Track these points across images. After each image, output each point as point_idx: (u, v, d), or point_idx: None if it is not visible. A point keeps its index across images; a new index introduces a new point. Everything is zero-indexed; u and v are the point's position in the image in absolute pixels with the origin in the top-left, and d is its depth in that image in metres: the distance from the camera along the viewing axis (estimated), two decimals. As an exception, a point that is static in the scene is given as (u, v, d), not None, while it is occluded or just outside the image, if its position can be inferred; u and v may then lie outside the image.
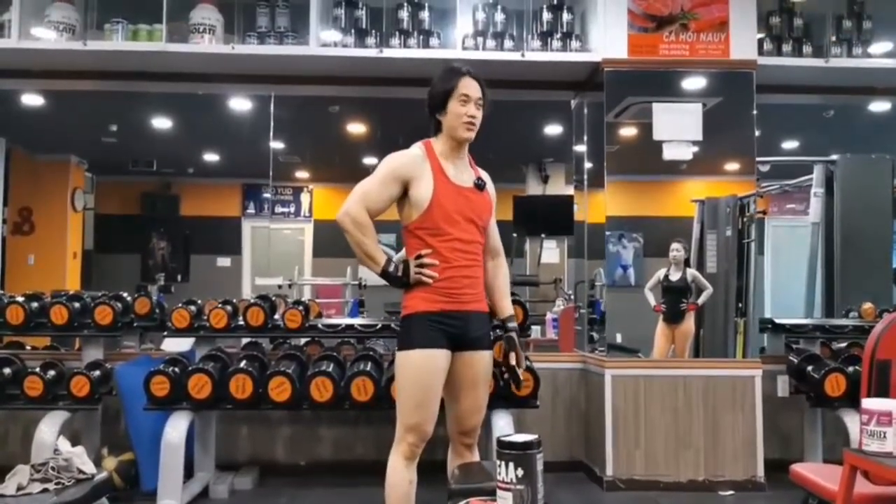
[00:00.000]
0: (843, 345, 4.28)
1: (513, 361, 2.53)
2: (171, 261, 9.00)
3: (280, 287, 7.09)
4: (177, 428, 3.35)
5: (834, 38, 4.09)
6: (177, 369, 3.47)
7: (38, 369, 3.48)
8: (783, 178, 5.95)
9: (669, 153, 3.88)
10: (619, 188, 4.22)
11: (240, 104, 5.68)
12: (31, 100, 4.99)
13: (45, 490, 2.01)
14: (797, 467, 2.41)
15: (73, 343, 4.24)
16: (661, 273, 4.58)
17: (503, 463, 1.39)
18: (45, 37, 3.84)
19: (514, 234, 7.06)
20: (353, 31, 3.91)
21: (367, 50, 3.88)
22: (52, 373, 3.53)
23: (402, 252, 2.52)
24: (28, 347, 4.32)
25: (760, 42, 4.00)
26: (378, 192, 2.38)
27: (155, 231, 8.94)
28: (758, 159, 5.57)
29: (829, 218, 5.46)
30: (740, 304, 5.89)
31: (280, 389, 3.39)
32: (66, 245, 7.49)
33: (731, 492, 3.70)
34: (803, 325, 4.22)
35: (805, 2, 4.11)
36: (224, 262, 8.82)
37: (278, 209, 9.19)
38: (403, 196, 2.41)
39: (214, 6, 3.92)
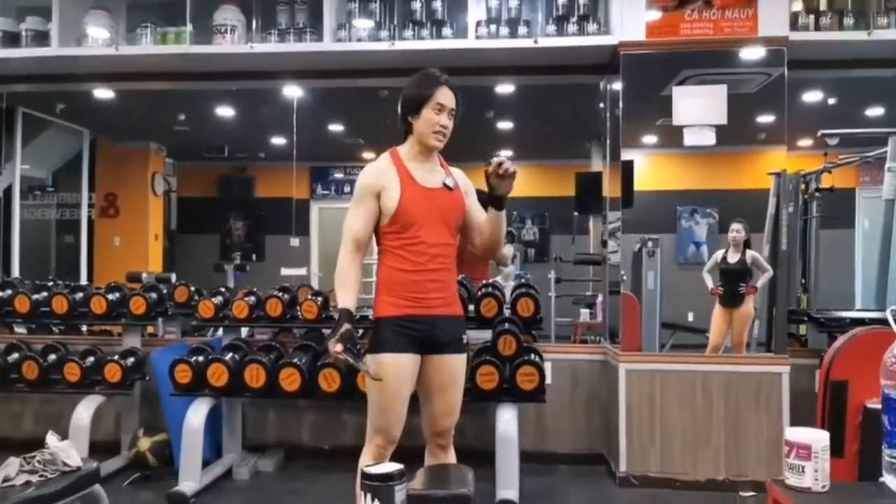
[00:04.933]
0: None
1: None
2: (247, 240, 9.42)
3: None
4: (197, 413, 3.56)
5: (880, 9, 3.72)
6: (199, 358, 3.68)
7: (77, 356, 3.79)
8: (875, 146, 5.50)
9: (691, 139, 3.69)
10: (684, 160, 4.07)
11: (294, 92, 5.82)
12: (106, 94, 5.31)
13: (27, 482, 2.20)
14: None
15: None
16: (718, 255, 4.40)
17: (363, 493, 1.41)
18: (92, 41, 4.09)
19: (576, 213, 6.92)
20: (366, 24, 3.93)
21: (380, 43, 3.89)
22: (90, 359, 3.82)
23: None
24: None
25: (796, 16, 3.71)
26: (359, 218, 2.42)
27: (232, 212, 9.37)
28: (824, 132, 5.21)
29: (907, 195, 5.03)
30: (804, 281, 5.56)
31: (290, 380, 3.54)
32: (148, 227, 7.96)
33: (752, 493, 3.56)
34: (840, 319, 3.95)
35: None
36: (296, 241, 9.15)
37: (346, 189, 9.42)
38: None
39: (236, 7, 4.04)
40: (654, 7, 3.66)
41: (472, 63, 4.00)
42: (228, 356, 3.66)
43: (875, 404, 1.83)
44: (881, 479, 1.63)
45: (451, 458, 2.61)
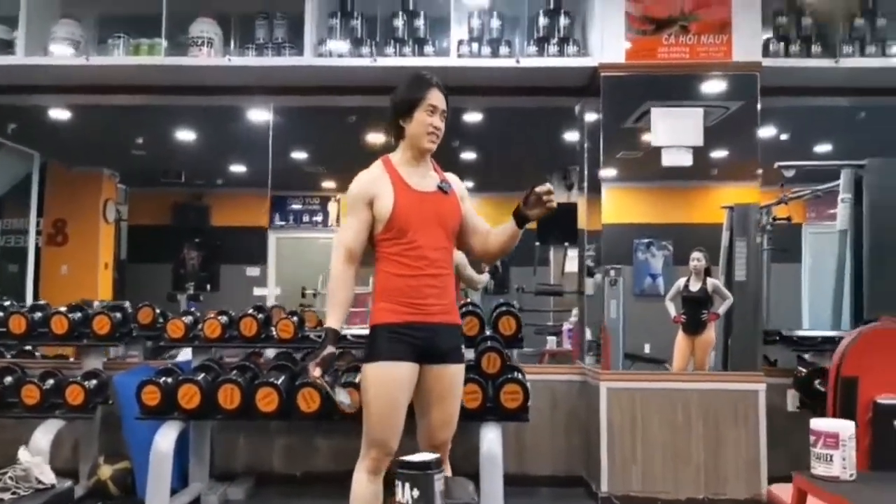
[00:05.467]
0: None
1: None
2: (202, 270, 9.16)
3: (304, 296, 7.17)
4: (166, 437, 3.38)
5: (845, 38, 3.91)
6: (168, 379, 3.50)
7: (36, 378, 3.56)
8: (821, 182, 5.72)
9: (668, 159, 3.77)
10: (643, 195, 4.13)
11: (260, 115, 5.77)
12: (61, 114, 5.12)
13: (0, 500, 2.03)
14: (774, 489, 2.30)
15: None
16: (680, 283, 4.45)
17: (400, 483, 1.34)
18: (59, 52, 3.95)
19: (537, 243, 6.97)
20: (348, 40, 3.91)
21: (362, 59, 3.88)
22: (50, 382, 3.60)
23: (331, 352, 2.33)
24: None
25: (767, 43, 3.86)
26: (353, 229, 2.38)
27: (186, 241, 9.11)
28: (781, 164, 5.39)
29: (858, 225, 5.24)
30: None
31: (267, 400, 3.39)
32: (98, 255, 7.68)
33: (732, 511, 3.56)
34: (811, 338, 4.05)
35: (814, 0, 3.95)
36: (253, 271, 8.94)
37: (306, 219, 9.29)
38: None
39: (213, 20, 3.98)
40: (633, 30, 3.76)
41: (453, 82, 3.92)
42: (200, 376, 3.50)
43: (885, 399, 1.84)
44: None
45: (447, 471, 2.53)
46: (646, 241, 5.72)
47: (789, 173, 5.70)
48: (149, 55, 3.97)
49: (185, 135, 6.67)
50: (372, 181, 2.41)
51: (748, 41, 3.72)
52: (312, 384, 2.27)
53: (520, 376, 3.45)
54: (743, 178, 3.95)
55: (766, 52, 3.82)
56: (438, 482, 1.35)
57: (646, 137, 3.90)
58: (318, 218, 9.09)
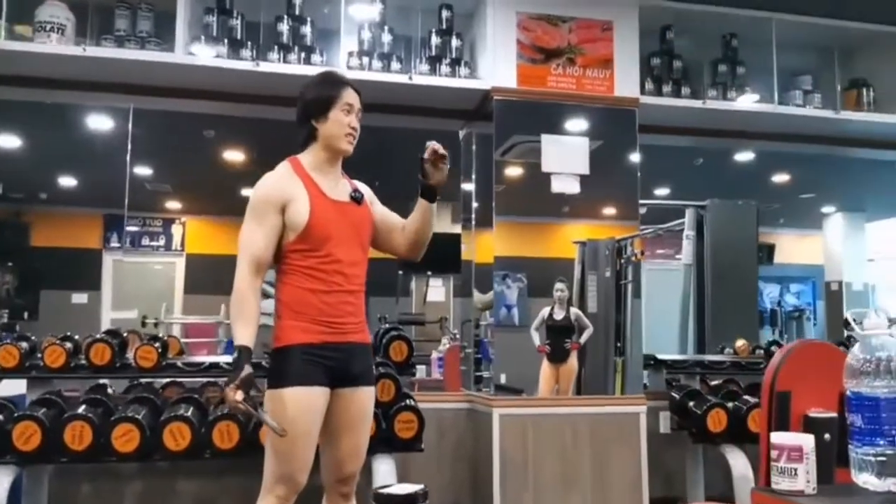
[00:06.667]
0: (719, 381, 4.36)
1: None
2: (18, 296, 8.15)
3: (144, 325, 6.50)
4: (-4, 487, 2.83)
5: (710, 82, 4.22)
6: (0, 416, 2.95)
7: None
8: (655, 223, 6.12)
9: (557, 186, 3.81)
10: (503, 229, 4.14)
11: (99, 122, 5.25)
12: None
13: None
14: (693, 508, 2.30)
15: None
16: (545, 312, 4.49)
17: (381, 520, 1.13)
18: None
19: (400, 272, 6.87)
20: (225, 41, 3.59)
21: (242, 62, 3.57)
22: None
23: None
24: None
25: (642, 83, 4.05)
26: (260, 236, 2.14)
27: (-1, 263, 8.06)
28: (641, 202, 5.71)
29: (700, 259, 5.66)
30: (619, 344, 5.96)
31: (126, 438, 2.95)
32: None
33: (616, 536, 3.58)
34: (683, 361, 4.26)
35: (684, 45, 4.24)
36: (80, 298, 8.06)
37: (146, 242, 8.53)
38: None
39: (65, 4, 3.50)
40: (524, 57, 3.80)
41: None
42: (40, 412, 2.97)
43: (815, 413, 1.89)
44: (855, 480, 1.65)
45: (354, 510, 2.31)
46: (502, 273, 5.79)
47: (642, 210, 6.08)
48: (-16, 38, 3.41)
49: (8, 140, 5.90)
50: (283, 184, 2.19)
51: (628, 77, 3.88)
52: (232, 410, 1.99)
53: (414, 404, 3.28)
54: (623, 216, 4.13)
55: (642, 91, 4.01)
56: (426, 517, 1.16)
57: (509, 171, 3.94)
58: (161, 241, 8.40)
